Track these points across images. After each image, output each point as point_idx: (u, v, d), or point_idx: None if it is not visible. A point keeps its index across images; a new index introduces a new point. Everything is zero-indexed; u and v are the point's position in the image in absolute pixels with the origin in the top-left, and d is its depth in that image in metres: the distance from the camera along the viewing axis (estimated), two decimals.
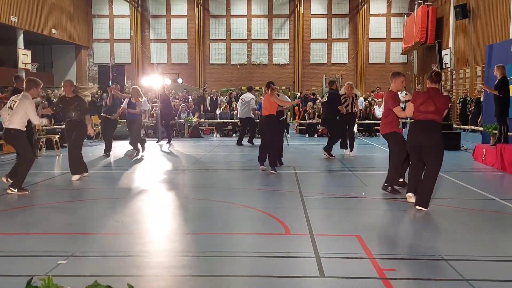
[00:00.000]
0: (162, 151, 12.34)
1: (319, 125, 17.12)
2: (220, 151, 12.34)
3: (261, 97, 7.70)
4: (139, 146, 11.13)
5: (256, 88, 20.90)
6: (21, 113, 6.47)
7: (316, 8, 27.22)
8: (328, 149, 10.41)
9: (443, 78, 18.59)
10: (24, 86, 6.78)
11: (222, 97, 20.99)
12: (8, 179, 6.84)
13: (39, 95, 8.58)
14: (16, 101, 6.54)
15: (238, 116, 14.55)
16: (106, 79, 17.96)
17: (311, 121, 17.42)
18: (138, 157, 10.72)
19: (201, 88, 23.49)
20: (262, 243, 4.28)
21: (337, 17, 27.32)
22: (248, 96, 13.94)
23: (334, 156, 10.40)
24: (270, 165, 8.40)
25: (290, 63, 27.55)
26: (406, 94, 8.39)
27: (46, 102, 14.81)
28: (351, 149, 10.87)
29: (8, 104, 6.65)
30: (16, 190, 6.41)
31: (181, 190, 7.10)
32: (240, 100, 14.28)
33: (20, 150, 6.75)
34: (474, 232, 4.69)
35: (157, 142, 14.23)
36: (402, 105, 7.18)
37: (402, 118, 8.35)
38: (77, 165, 7.56)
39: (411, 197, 5.76)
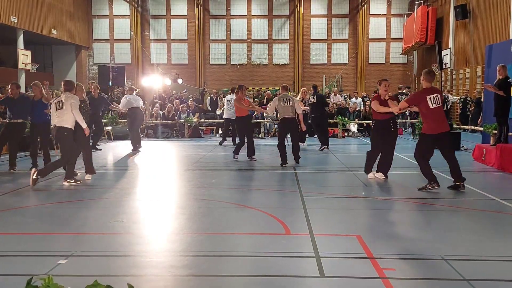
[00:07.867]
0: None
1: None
2: (220, 151, 12.34)
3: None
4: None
5: (256, 88, 20.76)
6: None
7: (316, 9, 27.21)
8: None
9: (443, 79, 18.57)
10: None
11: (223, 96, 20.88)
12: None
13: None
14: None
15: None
16: (106, 79, 17.91)
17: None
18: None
19: (201, 88, 23.47)
20: (262, 243, 4.28)
21: (337, 17, 27.31)
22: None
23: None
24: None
25: (290, 63, 27.54)
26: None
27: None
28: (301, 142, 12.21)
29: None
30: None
31: (181, 190, 7.11)
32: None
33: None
34: (474, 232, 4.69)
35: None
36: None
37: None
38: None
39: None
